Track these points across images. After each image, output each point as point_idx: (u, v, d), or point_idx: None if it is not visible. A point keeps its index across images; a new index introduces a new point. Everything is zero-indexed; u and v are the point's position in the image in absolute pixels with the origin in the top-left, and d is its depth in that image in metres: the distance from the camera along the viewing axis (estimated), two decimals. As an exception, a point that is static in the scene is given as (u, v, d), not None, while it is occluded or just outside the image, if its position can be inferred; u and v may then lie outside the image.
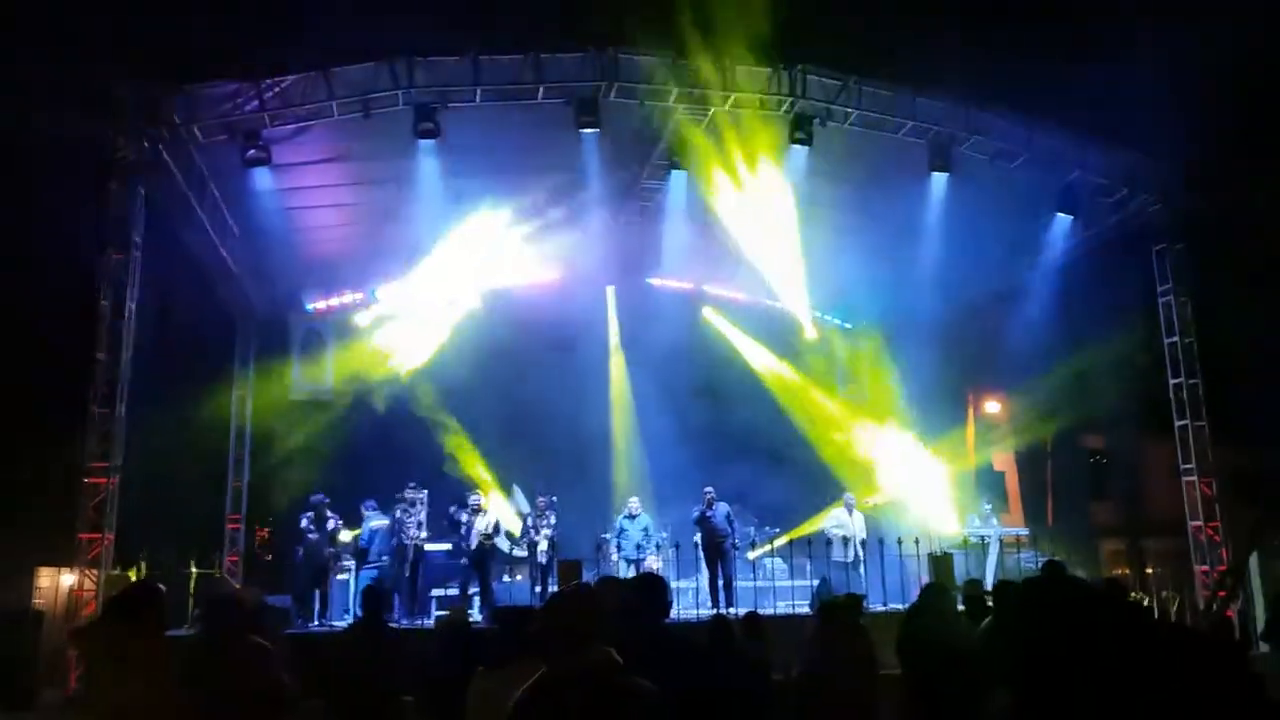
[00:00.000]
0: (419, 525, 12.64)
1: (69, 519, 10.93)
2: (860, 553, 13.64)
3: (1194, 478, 14.36)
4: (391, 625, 8.27)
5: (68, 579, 11.15)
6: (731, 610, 11.84)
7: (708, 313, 18.97)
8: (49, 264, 12.39)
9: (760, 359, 18.64)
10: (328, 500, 12.60)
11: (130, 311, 11.44)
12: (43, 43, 13.05)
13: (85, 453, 11.05)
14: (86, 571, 10.74)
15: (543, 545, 13.23)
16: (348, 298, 17.13)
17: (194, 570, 12.50)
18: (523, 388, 15.90)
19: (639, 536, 13.55)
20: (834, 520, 14.19)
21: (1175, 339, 14.74)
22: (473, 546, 12.61)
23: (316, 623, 12.00)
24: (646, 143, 14.19)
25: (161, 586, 5.22)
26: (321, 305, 17.08)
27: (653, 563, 13.85)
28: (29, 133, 12.14)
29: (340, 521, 12.74)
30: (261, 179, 12.93)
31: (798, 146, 13.37)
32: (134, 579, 10.79)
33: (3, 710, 9.55)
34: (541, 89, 12.51)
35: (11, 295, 12.68)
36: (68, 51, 12.84)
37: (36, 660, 10.45)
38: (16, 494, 12.46)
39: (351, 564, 13.25)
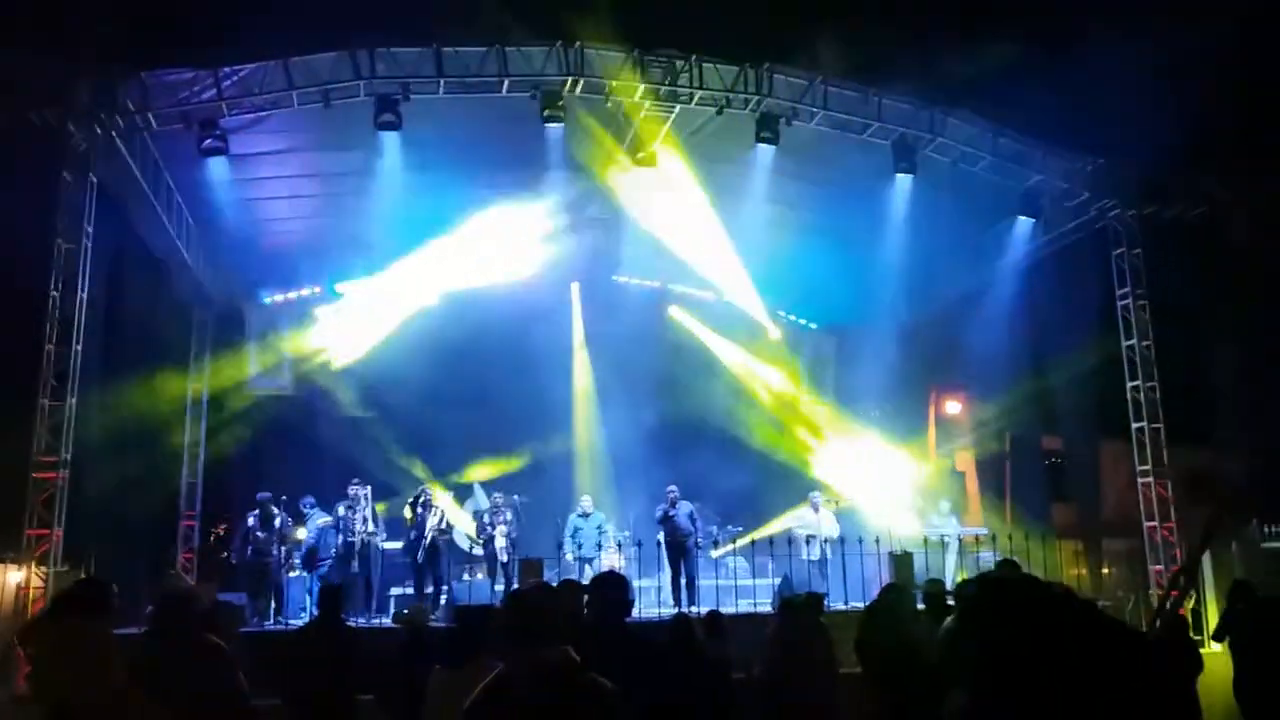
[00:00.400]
0: (364, 520, 12.51)
1: (17, 514, 10.66)
2: (827, 552, 13.69)
3: (1150, 479, 14.59)
4: (348, 624, 8.13)
5: (15, 576, 10.86)
6: (694, 609, 11.82)
7: (674, 311, 18.94)
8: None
9: (726, 358, 18.66)
10: (280, 497, 12.42)
11: (81, 302, 11.20)
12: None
13: (34, 446, 10.79)
14: (35, 569, 10.49)
15: (501, 543, 13.16)
16: (306, 291, 16.87)
17: (146, 568, 12.25)
18: (483, 384, 15.77)
19: (594, 535, 13.51)
20: (799, 520, 14.24)
21: (1133, 342, 14.96)
22: (426, 541, 12.52)
23: (272, 621, 11.82)
24: (612, 138, 14.13)
25: (111, 583, 5.10)
26: (279, 298, 16.82)
27: (612, 560, 13.81)
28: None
29: (288, 519, 12.56)
30: (218, 169, 12.70)
31: (764, 145, 13.39)
32: (83, 576, 10.54)
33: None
34: (506, 82, 12.40)
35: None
36: (19, 35, 12.49)
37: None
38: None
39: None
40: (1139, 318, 14.98)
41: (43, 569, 10.48)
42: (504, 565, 13.04)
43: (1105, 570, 17.38)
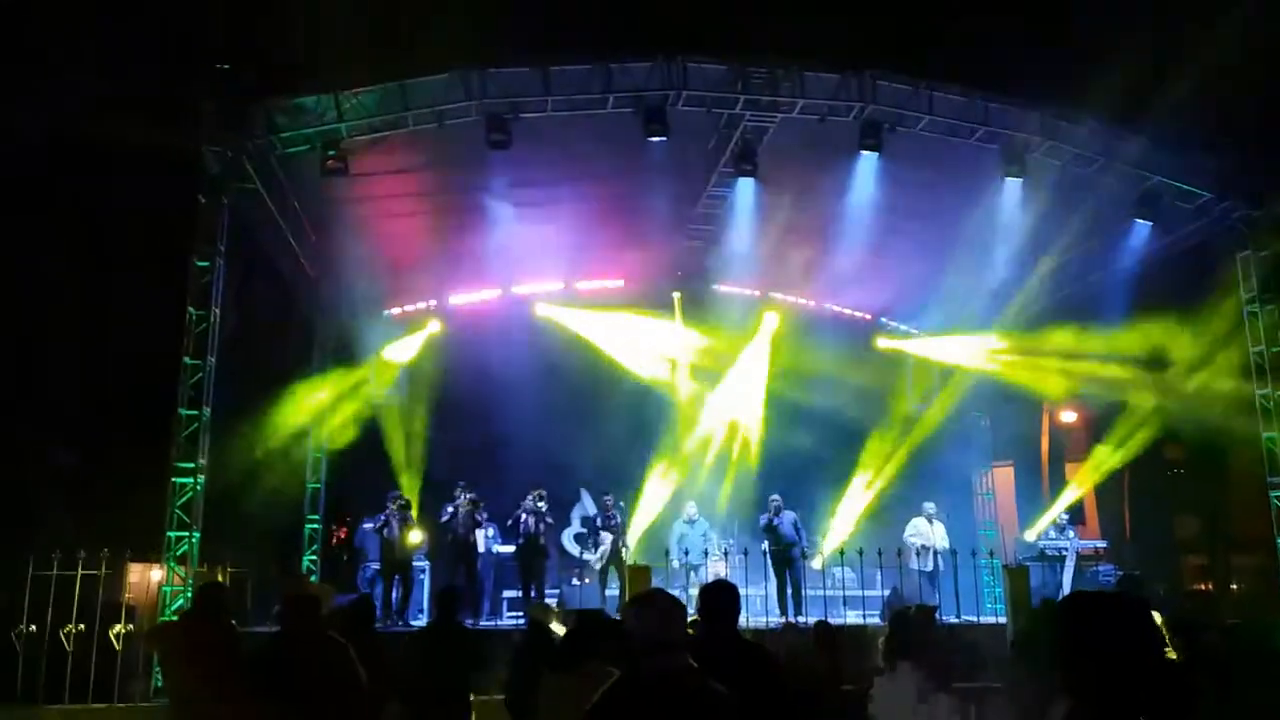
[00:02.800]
0: (468, 523, 12.92)
1: (159, 516, 11.35)
2: (939, 563, 13.48)
3: (1282, 490, 13.90)
4: (465, 626, 8.42)
5: (156, 574, 11.56)
6: (800, 618, 11.81)
7: (774, 319, 18.84)
8: (139, 271, 12.90)
9: (826, 366, 18.46)
10: (404, 500, 12.88)
11: (215, 317, 11.84)
12: (131, 56, 13.58)
13: (172, 453, 11.47)
14: (174, 568, 11.14)
15: (607, 548, 13.41)
16: (422, 304, 17.48)
17: (275, 569, 12.86)
18: (590, 392, 16.05)
19: (699, 541, 13.60)
20: (913, 529, 14.04)
21: (1261, 348, 14.29)
22: (523, 543, 12.85)
23: (393, 622, 12.27)
24: (714, 150, 14.22)
25: (225, 584, 5.43)
26: (397, 311, 17.46)
27: (717, 568, 13.88)
28: (119, 144, 12.62)
29: (413, 521, 13.02)
30: (340, 188, 13.26)
31: (867, 153, 13.27)
32: (219, 576, 11.17)
33: (91, 703, 9.92)
34: (611, 98, 12.63)
35: (105, 300, 13.23)
36: (156, 65, 13.32)
37: (125, 654, 10.83)
38: (113, 492, 13.00)
39: (426, 564, 13.53)
40: (1267, 321, 14.30)
41: (181, 568, 11.12)
42: (609, 570, 13.26)
43: (1234, 587, 16.57)
